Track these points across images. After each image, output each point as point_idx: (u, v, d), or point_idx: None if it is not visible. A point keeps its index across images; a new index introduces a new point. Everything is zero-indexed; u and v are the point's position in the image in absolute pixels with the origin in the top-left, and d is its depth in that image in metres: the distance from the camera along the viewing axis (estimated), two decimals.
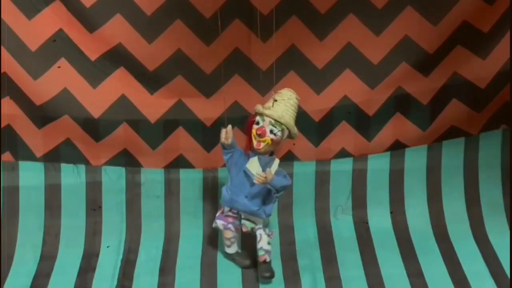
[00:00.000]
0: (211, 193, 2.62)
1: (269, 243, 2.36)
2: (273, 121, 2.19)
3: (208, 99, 2.54)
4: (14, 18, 2.39)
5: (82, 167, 2.55)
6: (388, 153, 2.63)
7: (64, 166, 2.55)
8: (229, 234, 2.41)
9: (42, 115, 2.48)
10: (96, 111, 2.49)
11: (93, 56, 2.46)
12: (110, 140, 2.53)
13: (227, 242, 2.44)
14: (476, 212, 2.62)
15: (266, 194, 2.28)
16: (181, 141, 2.57)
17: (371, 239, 2.56)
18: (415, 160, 2.64)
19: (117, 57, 2.47)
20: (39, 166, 2.53)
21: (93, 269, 2.40)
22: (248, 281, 2.36)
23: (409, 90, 2.56)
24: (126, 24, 2.44)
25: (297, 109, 2.26)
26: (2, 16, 2.37)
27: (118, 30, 2.44)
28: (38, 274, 2.37)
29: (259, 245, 2.35)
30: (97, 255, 2.46)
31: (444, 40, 2.51)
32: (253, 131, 2.23)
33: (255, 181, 2.22)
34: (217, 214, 2.41)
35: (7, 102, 2.45)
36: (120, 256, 2.46)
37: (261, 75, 2.53)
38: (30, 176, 2.53)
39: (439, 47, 2.52)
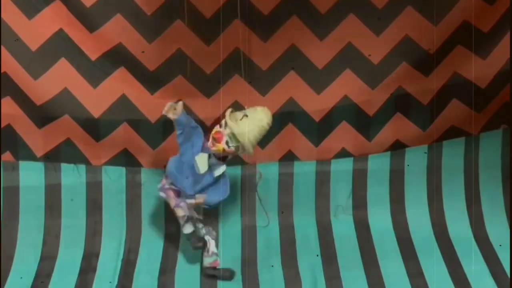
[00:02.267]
0: None
1: (216, 246, 2.38)
2: (231, 134, 2.23)
3: (209, 99, 2.54)
4: (14, 18, 2.39)
5: (82, 167, 2.55)
6: (388, 153, 2.63)
7: (64, 166, 2.54)
8: (180, 212, 2.36)
9: (42, 115, 2.47)
10: (96, 111, 2.49)
11: (93, 56, 2.46)
12: (110, 140, 2.53)
13: (180, 221, 2.39)
14: (476, 212, 2.62)
15: (207, 186, 2.32)
16: None
17: (371, 239, 2.56)
18: (415, 160, 2.64)
19: (117, 57, 2.47)
20: (39, 166, 2.53)
21: (94, 269, 2.40)
22: (248, 282, 2.36)
23: (409, 90, 2.56)
24: (126, 24, 2.44)
25: (263, 133, 2.29)
26: (2, 16, 2.37)
27: (118, 30, 2.44)
28: (39, 274, 2.37)
29: (210, 250, 2.37)
30: (97, 255, 2.46)
31: (444, 40, 2.51)
32: (213, 131, 2.28)
33: (187, 202, 2.31)
34: (160, 185, 2.39)
35: (7, 102, 2.45)
36: (121, 256, 2.46)
37: (261, 75, 2.53)
38: (30, 176, 2.52)
39: (439, 47, 2.52)
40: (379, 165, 2.63)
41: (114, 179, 2.57)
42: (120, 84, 2.49)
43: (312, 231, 2.60)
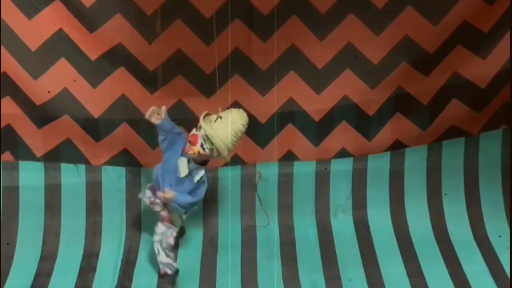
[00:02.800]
0: (211, 193, 2.61)
1: (167, 256, 2.32)
2: (205, 136, 2.20)
3: (208, 99, 2.54)
4: (14, 18, 2.39)
5: (82, 167, 2.55)
6: (388, 153, 2.63)
7: (64, 166, 2.54)
8: (157, 208, 2.36)
9: (42, 115, 2.47)
10: (96, 111, 2.49)
11: (93, 56, 2.46)
12: (110, 140, 2.53)
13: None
14: (476, 212, 2.62)
15: (188, 192, 2.31)
16: None
17: (371, 239, 2.56)
18: (415, 160, 2.64)
19: (117, 57, 2.47)
20: (39, 166, 2.53)
21: (94, 269, 2.40)
22: (248, 281, 2.36)
23: (409, 90, 2.56)
24: (126, 24, 2.44)
25: (239, 134, 2.23)
26: (2, 16, 2.37)
27: (118, 30, 2.44)
28: (39, 274, 2.37)
29: (158, 259, 2.32)
30: (97, 255, 2.46)
31: (444, 40, 2.51)
32: (190, 133, 2.25)
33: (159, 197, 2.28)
34: (146, 197, 2.39)
35: (7, 102, 2.45)
36: (120, 256, 2.46)
37: (261, 75, 2.53)
38: (30, 176, 2.52)
39: (439, 47, 2.52)
40: (379, 165, 2.63)
41: (114, 179, 2.57)
42: (120, 84, 2.49)
43: (312, 231, 2.60)
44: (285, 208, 2.65)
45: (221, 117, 2.23)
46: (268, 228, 2.61)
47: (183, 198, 2.29)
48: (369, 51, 2.53)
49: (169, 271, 2.32)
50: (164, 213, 2.36)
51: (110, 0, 2.41)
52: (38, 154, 2.52)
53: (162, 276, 2.34)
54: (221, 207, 2.62)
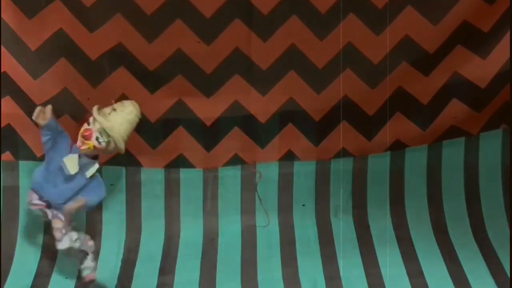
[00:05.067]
0: (211, 193, 2.62)
1: (93, 260, 2.31)
2: (101, 129, 2.22)
3: (208, 98, 2.54)
4: (14, 18, 2.39)
5: None
6: (388, 153, 2.64)
7: None
8: (58, 223, 2.30)
9: None
10: None
11: (93, 56, 2.46)
12: None
13: (57, 235, 2.28)
14: (476, 212, 2.62)
15: (80, 189, 2.29)
16: (181, 140, 2.57)
17: (371, 239, 2.56)
18: (415, 160, 2.64)
19: (117, 57, 2.46)
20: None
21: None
22: (248, 282, 2.36)
23: (409, 89, 2.57)
24: (126, 24, 2.43)
25: (134, 125, 2.29)
26: (2, 16, 2.37)
27: (118, 30, 2.43)
28: (39, 274, 2.37)
29: (85, 264, 2.30)
30: (97, 255, 2.46)
31: (444, 40, 2.51)
32: (81, 130, 2.25)
33: (65, 209, 2.25)
34: (33, 200, 2.34)
35: (7, 101, 2.45)
36: (120, 256, 2.46)
37: (261, 75, 2.53)
38: (30, 176, 2.52)
39: (439, 47, 2.52)
40: (379, 165, 2.64)
41: (114, 179, 2.57)
42: (120, 84, 2.49)
43: (312, 231, 2.60)
44: (285, 208, 2.65)
45: (115, 110, 2.25)
46: (268, 228, 2.61)
47: (93, 200, 2.30)
48: (369, 51, 2.53)
49: (93, 276, 2.30)
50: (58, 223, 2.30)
51: (110, 0, 2.40)
52: (38, 154, 2.51)
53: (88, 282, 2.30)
54: (221, 207, 2.62)
